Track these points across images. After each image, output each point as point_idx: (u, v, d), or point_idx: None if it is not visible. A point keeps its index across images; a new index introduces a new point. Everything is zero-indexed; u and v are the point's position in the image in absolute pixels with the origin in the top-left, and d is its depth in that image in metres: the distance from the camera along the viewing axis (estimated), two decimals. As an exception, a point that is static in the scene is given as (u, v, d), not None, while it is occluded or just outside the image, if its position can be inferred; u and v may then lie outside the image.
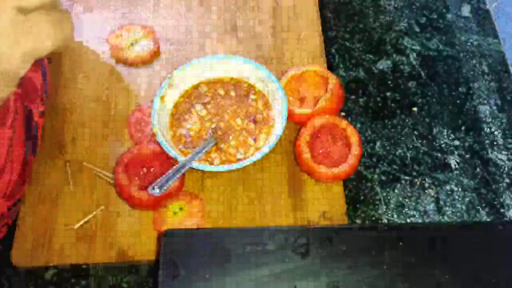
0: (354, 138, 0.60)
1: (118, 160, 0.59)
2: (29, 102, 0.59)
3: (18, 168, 0.58)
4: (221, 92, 0.65)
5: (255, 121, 0.63)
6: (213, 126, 0.63)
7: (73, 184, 0.60)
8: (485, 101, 0.69)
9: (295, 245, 0.49)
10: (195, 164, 0.58)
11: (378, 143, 0.66)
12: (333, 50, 0.73)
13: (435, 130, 0.67)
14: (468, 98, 0.69)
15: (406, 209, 0.61)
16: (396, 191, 0.62)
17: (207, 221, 0.59)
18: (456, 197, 0.62)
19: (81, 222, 0.58)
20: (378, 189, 0.62)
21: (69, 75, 0.68)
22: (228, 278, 0.48)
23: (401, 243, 0.50)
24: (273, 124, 0.63)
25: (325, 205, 0.59)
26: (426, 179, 0.63)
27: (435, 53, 0.73)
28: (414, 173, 0.63)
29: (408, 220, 0.60)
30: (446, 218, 0.61)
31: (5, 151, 0.54)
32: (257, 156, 0.58)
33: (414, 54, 0.73)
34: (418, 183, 0.62)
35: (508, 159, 0.65)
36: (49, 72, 0.66)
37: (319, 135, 0.61)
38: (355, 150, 0.59)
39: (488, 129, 0.67)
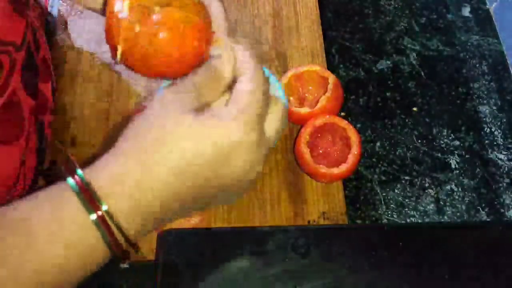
0: (354, 138, 0.59)
1: (118, 160, 0.59)
2: (41, 114, 0.59)
3: (30, 178, 0.58)
4: (221, 92, 0.65)
5: (255, 121, 0.63)
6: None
7: (73, 184, 0.60)
8: (485, 101, 0.69)
9: (295, 245, 0.49)
10: (195, 164, 0.58)
11: (378, 143, 0.66)
12: (333, 50, 0.73)
13: (435, 130, 0.67)
14: (468, 98, 0.69)
15: (406, 209, 0.61)
16: (396, 191, 0.62)
17: (207, 221, 0.58)
18: (456, 197, 0.62)
19: (81, 222, 0.58)
20: (378, 189, 0.62)
21: (69, 75, 0.68)
22: (228, 278, 0.48)
23: (401, 243, 0.50)
24: (273, 124, 0.63)
25: (325, 205, 0.59)
26: (426, 179, 0.63)
27: (435, 53, 0.73)
28: (414, 173, 0.63)
29: (408, 220, 0.60)
30: (446, 218, 0.61)
31: (19, 162, 0.54)
32: (257, 156, 0.58)
33: (414, 54, 0.73)
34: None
35: (508, 159, 0.65)
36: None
37: (319, 135, 0.61)
38: (355, 150, 0.59)
39: (488, 129, 0.67)
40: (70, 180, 0.35)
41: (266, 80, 0.39)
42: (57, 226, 0.35)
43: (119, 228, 0.36)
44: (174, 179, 0.36)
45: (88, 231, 0.35)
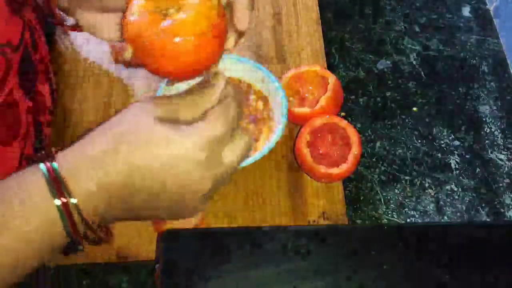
0: (354, 138, 0.59)
1: (118, 160, 0.59)
2: (39, 114, 0.59)
3: None
4: (221, 92, 0.65)
5: (255, 121, 0.63)
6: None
7: (73, 184, 0.60)
8: (485, 101, 0.69)
9: (295, 245, 0.49)
10: (195, 164, 0.58)
11: (378, 143, 0.66)
12: (333, 50, 0.73)
13: (435, 130, 0.67)
14: (468, 98, 0.69)
15: (406, 209, 0.61)
16: (396, 191, 0.62)
17: (207, 221, 0.58)
18: (456, 197, 0.62)
19: (81, 222, 0.58)
20: (378, 189, 0.62)
21: (69, 76, 0.68)
22: (228, 278, 0.48)
23: (401, 243, 0.50)
24: (273, 124, 0.63)
25: (325, 205, 0.59)
26: (426, 179, 0.63)
27: (435, 53, 0.73)
28: (414, 173, 0.63)
29: (408, 220, 0.60)
30: (446, 218, 0.61)
31: (18, 163, 0.54)
32: (257, 156, 0.58)
33: (414, 54, 0.73)
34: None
35: (508, 159, 0.65)
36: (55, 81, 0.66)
37: (319, 135, 0.61)
38: (355, 150, 0.59)
39: (488, 129, 0.67)
40: (42, 165, 0.38)
41: (235, 116, 0.42)
42: (21, 207, 0.36)
43: (80, 215, 0.38)
44: (128, 174, 0.38)
45: (50, 216, 0.37)
